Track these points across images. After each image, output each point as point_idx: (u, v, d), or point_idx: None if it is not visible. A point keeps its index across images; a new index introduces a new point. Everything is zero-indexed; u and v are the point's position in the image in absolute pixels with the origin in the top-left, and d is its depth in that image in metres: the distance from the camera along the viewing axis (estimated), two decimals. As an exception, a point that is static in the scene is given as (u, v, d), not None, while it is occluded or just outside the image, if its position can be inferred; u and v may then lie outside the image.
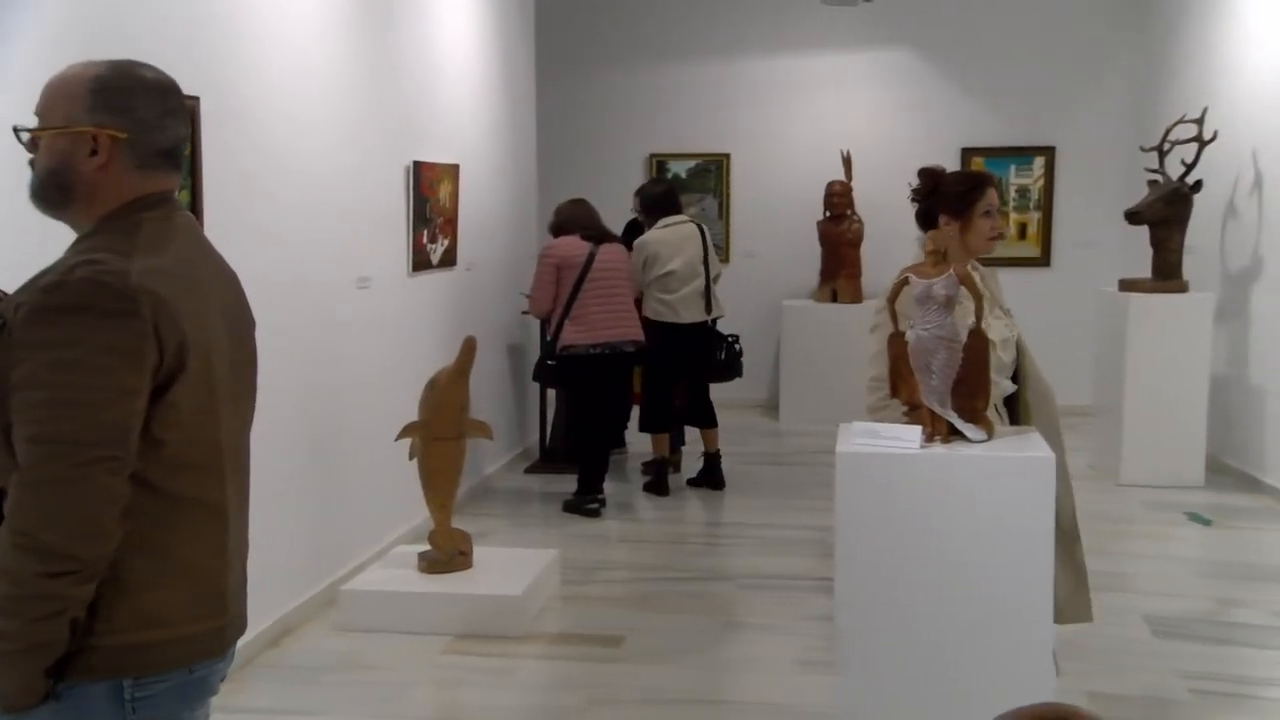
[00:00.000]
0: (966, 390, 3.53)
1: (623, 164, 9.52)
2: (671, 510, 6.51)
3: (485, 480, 6.86)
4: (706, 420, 6.89)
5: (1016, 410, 3.45)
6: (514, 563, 4.91)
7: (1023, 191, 9.27)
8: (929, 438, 3.48)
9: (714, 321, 6.88)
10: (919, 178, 3.45)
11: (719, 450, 6.89)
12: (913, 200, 3.45)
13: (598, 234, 6.37)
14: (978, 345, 3.54)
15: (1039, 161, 9.21)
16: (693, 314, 6.71)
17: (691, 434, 7.06)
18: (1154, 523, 6.08)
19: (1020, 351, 3.41)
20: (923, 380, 3.50)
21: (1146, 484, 6.64)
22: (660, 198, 6.88)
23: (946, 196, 3.34)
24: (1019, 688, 3.01)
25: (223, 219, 4.00)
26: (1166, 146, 7.02)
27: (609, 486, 6.51)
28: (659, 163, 9.64)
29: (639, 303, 6.75)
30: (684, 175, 9.55)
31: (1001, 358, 3.34)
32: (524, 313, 7.52)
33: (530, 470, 7.34)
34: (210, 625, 1.91)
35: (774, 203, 9.49)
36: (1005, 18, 9.17)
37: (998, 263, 9.11)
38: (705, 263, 6.75)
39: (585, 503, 6.31)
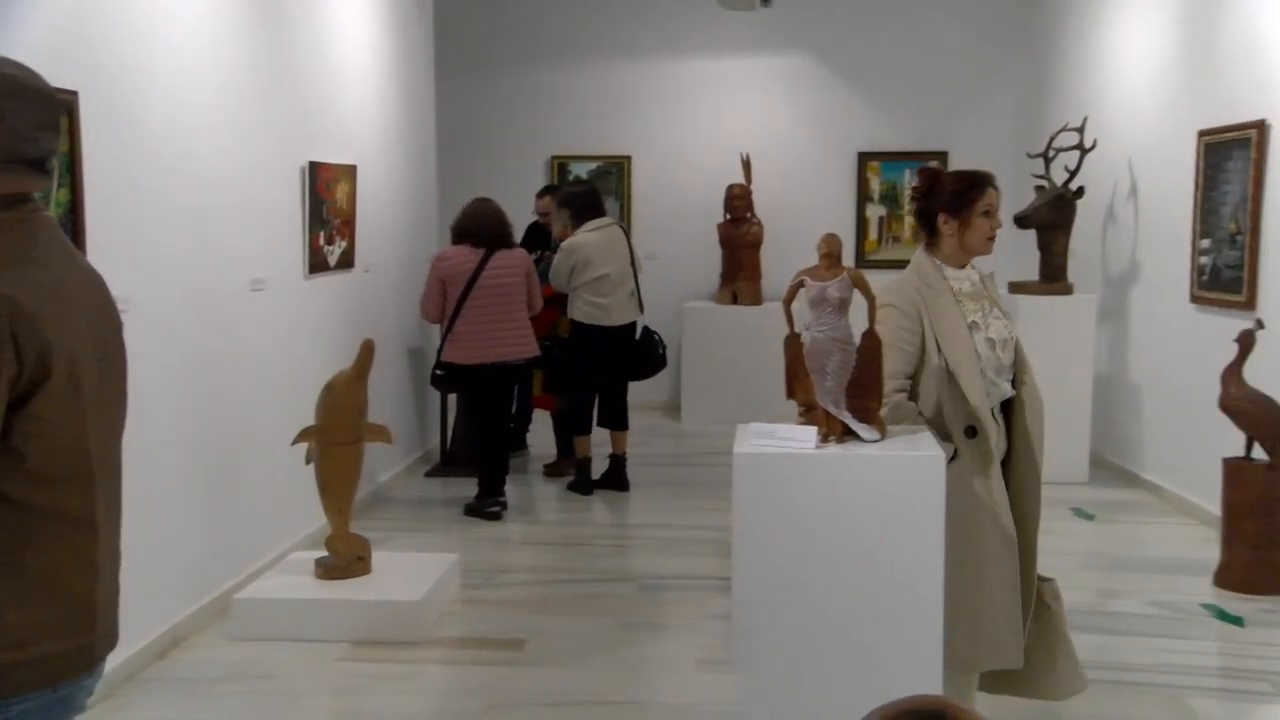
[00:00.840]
0: (860, 391, 3.60)
1: (524, 165, 9.50)
2: (573, 513, 6.51)
3: (385, 485, 6.78)
4: (621, 423, 6.91)
5: (1012, 416, 3.31)
6: (413, 567, 4.86)
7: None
8: (824, 438, 3.54)
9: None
10: (917, 177, 3.37)
11: (625, 453, 6.91)
12: (912, 199, 3.39)
13: (492, 241, 6.26)
14: (871, 347, 3.62)
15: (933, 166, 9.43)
16: (624, 316, 6.74)
17: (598, 435, 7.07)
18: (1042, 518, 6.27)
19: (1017, 354, 3.31)
20: (818, 381, 3.57)
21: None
22: (586, 199, 6.85)
23: (944, 195, 3.24)
24: (911, 682, 3.08)
25: (108, 222, 3.88)
26: (1051, 154, 7.26)
27: (510, 489, 6.49)
28: (560, 164, 9.64)
29: (559, 306, 6.74)
30: (585, 177, 9.55)
31: (1000, 358, 3.25)
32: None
33: (431, 474, 7.27)
34: (78, 642, 1.84)
35: (675, 205, 9.56)
36: (900, 26, 9.37)
37: (896, 265, 9.38)
38: (633, 264, 6.79)
39: (486, 506, 6.27)
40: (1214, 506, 5.35)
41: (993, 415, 3.24)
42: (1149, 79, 6.91)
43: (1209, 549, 5.32)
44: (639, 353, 6.87)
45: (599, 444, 6.97)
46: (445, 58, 8.68)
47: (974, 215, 3.21)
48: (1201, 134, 6.10)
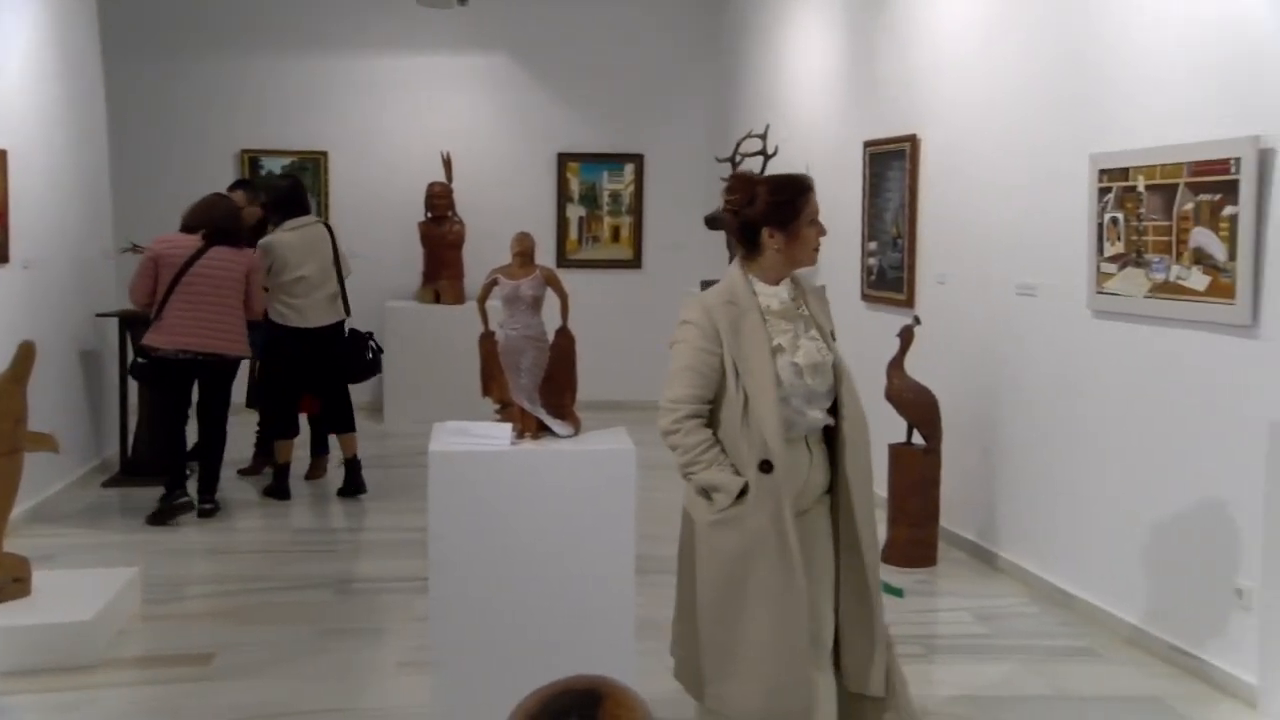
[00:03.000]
0: (554, 387, 3.69)
1: (212, 160, 9.04)
2: (270, 518, 6.26)
3: (53, 498, 6.25)
4: (346, 425, 6.69)
5: (835, 446, 2.98)
6: (85, 585, 4.51)
7: (615, 197, 9.76)
8: (519, 434, 3.60)
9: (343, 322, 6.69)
10: (732, 187, 2.99)
11: (357, 455, 6.70)
12: (727, 211, 2.99)
13: (217, 235, 6.02)
14: (564, 344, 3.71)
15: (629, 168, 9.74)
16: (322, 318, 6.51)
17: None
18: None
19: (839, 379, 2.99)
20: (512, 379, 3.62)
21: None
22: (286, 195, 6.61)
23: (769, 207, 2.91)
24: (602, 668, 3.17)
25: None
26: (738, 158, 7.64)
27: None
28: (252, 159, 9.23)
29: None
30: (279, 172, 9.19)
31: (810, 384, 2.91)
32: (99, 314, 6.98)
33: (109, 484, 6.78)
34: None
35: (375, 203, 9.37)
36: (596, 30, 9.60)
37: (597, 265, 9.61)
38: (337, 264, 6.56)
39: (174, 499, 6.02)
40: (883, 490, 5.81)
41: (807, 445, 2.95)
42: (823, 91, 7.43)
43: (879, 529, 5.77)
44: (345, 356, 6.67)
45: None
46: (121, 42, 8.14)
47: (802, 225, 2.93)
48: (867, 144, 6.63)
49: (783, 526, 2.81)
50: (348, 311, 6.69)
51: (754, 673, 2.86)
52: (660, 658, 4.19)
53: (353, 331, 6.75)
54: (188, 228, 6.10)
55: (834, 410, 2.98)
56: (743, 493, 2.82)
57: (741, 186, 2.97)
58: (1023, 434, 5.24)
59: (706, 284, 7.69)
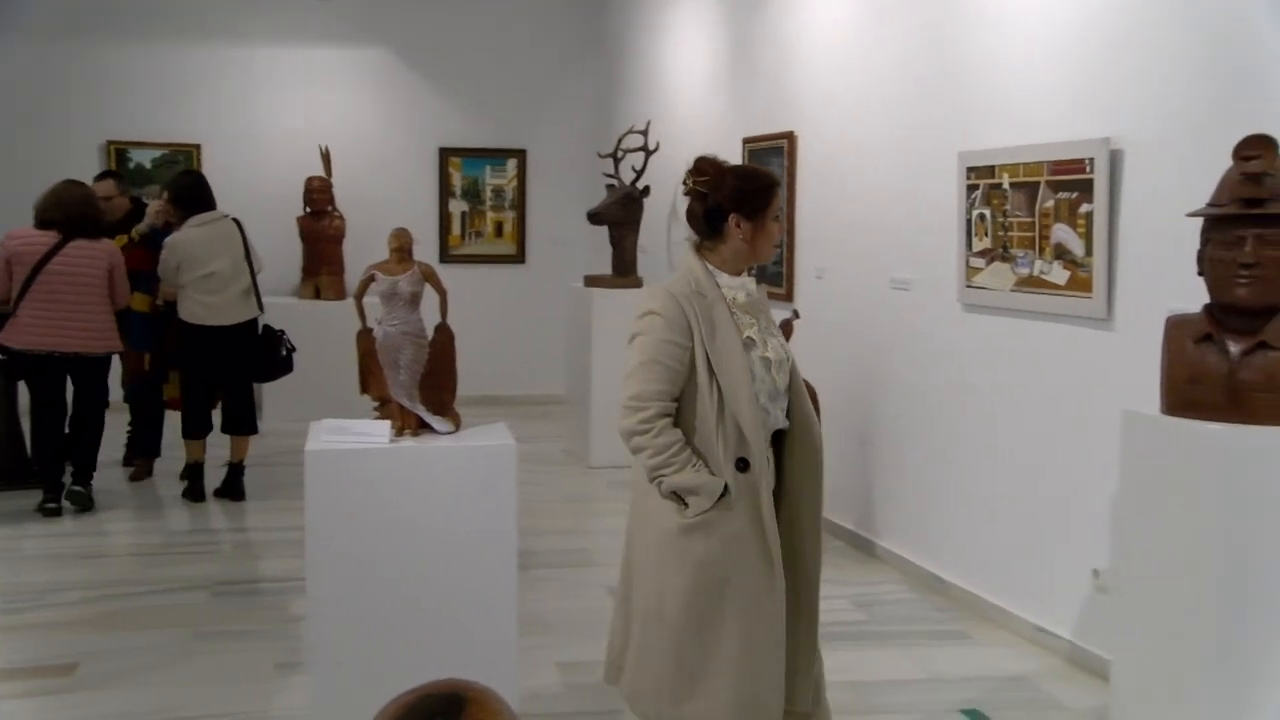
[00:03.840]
0: (434, 384, 3.66)
1: (74, 150, 8.69)
2: (142, 520, 6.08)
3: (-96, 505, 5.97)
4: (243, 427, 6.50)
5: (784, 449, 2.87)
6: (-61, 596, 4.31)
7: (498, 192, 9.71)
8: (398, 432, 3.56)
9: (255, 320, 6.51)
10: (701, 169, 2.88)
11: (244, 461, 6.51)
12: (691, 194, 2.89)
13: (72, 228, 5.84)
14: (443, 340, 3.68)
15: (512, 163, 9.69)
16: (236, 315, 6.33)
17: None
18: (618, 500, 6.64)
19: (792, 378, 2.87)
20: (391, 376, 3.58)
21: (613, 465, 7.20)
22: (190, 191, 6.40)
23: (740, 195, 2.83)
24: (486, 670, 3.16)
25: None
26: (620, 154, 7.69)
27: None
28: (119, 150, 8.92)
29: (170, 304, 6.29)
30: (149, 165, 8.91)
31: (775, 381, 2.81)
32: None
33: (-37, 490, 6.50)
34: None
35: (251, 197, 9.08)
36: (478, 26, 9.53)
37: (479, 260, 9.54)
38: (248, 259, 6.39)
39: (45, 502, 5.93)
40: (762, 479, 5.91)
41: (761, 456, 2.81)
42: (703, 88, 7.52)
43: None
44: (258, 353, 6.49)
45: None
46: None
47: (767, 219, 2.86)
48: (746, 141, 6.72)
49: (763, 527, 2.73)
50: (260, 307, 6.51)
51: (723, 686, 2.74)
52: (550, 650, 4.22)
53: (266, 328, 6.57)
54: (44, 223, 5.90)
55: (787, 414, 2.87)
56: (723, 494, 2.70)
57: (710, 169, 2.87)
58: (898, 425, 5.38)
59: (590, 279, 7.70)
